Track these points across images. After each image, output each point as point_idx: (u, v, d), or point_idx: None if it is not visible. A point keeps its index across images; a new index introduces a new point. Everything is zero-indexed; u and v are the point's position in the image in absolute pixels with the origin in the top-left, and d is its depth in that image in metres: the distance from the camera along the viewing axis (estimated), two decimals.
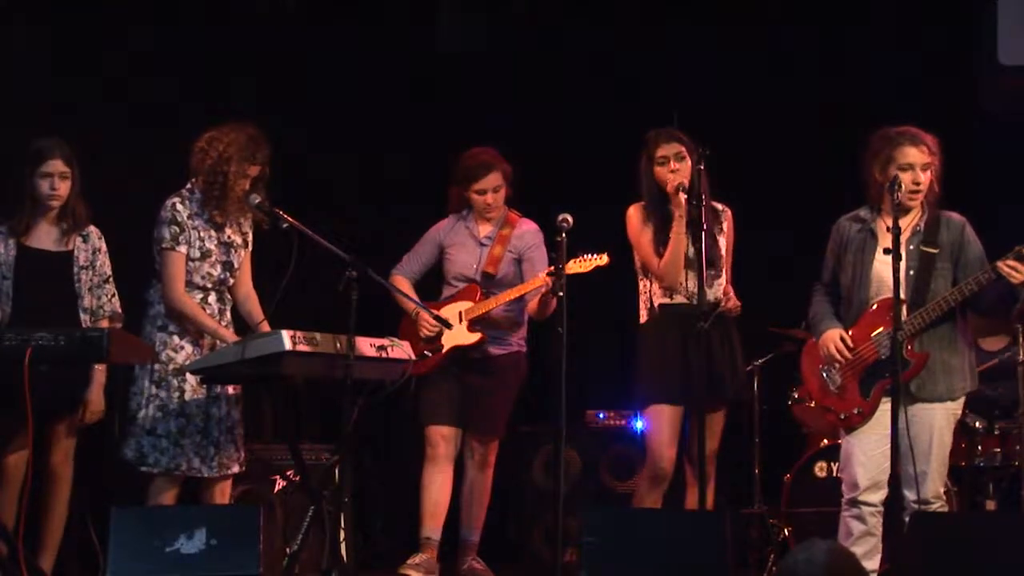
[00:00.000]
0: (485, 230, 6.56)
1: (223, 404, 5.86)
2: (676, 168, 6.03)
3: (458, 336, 6.41)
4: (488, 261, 6.50)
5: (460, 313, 6.42)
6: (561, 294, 5.58)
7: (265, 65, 7.47)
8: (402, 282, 6.50)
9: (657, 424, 6.06)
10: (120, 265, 6.00)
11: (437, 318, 6.15)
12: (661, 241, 6.04)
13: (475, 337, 6.41)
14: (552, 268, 6.12)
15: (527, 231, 6.56)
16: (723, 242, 6.15)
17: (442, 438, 6.42)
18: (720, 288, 6.11)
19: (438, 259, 6.59)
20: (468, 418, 6.44)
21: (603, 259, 6.18)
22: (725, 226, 6.19)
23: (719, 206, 6.18)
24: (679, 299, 6.07)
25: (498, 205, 6.53)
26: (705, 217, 5.81)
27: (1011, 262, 5.29)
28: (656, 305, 6.12)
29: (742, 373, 6.24)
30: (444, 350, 6.42)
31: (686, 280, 6.03)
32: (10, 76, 6.77)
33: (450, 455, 6.45)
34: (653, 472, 6.07)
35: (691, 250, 6.00)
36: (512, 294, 6.39)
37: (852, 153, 5.74)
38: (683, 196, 5.94)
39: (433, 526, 6.40)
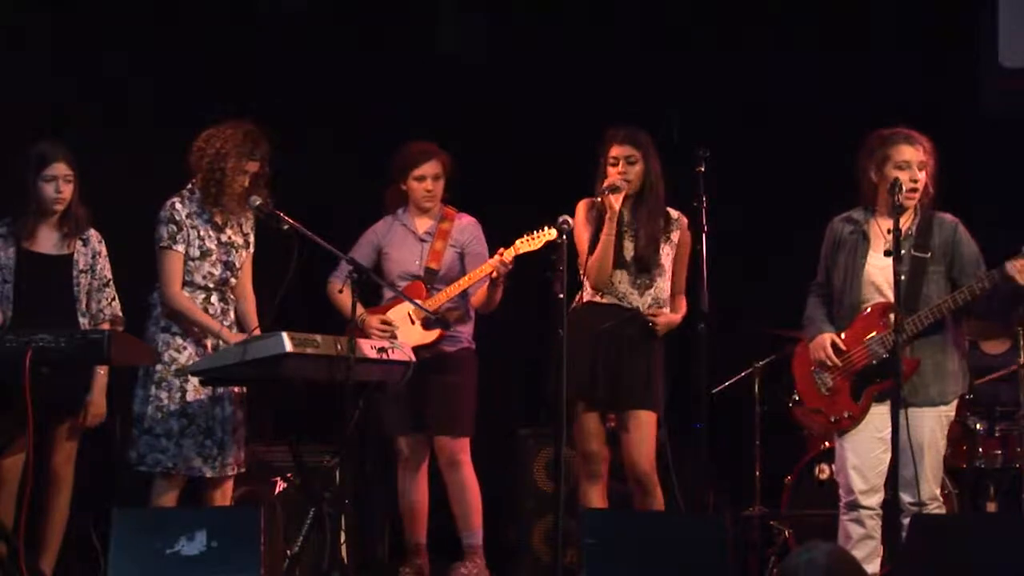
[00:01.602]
0: (423, 225, 6.49)
1: (227, 404, 5.86)
2: (624, 171, 5.99)
3: (414, 336, 6.30)
4: (430, 256, 6.41)
5: (409, 313, 6.33)
6: (562, 296, 5.56)
7: (265, 66, 7.46)
8: (343, 293, 6.27)
9: (573, 419, 6.00)
10: (122, 268, 6.00)
11: (440, 319, 6.13)
12: (597, 240, 6.00)
13: (434, 334, 6.32)
14: (501, 250, 6.16)
15: (467, 224, 6.50)
16: (668, 250, 6.06)
17: (410, 446, 6.39)
18: (651, 295, 6.02)
19: (375, 262, 6.46)
20: (431, 421, 6.34)
21: (552, 233, 6.01)
22: (675, 236, 6.08)
23: (674, 213, 6.09)
24: (608, 299, 6.02)
25: (437, 194, 6.45)
26: (643, 217, 5.89)
27: (1021, 262, 5.26)
28: (584, 300, 6.07)
29: (653, 382, 5.98)
30: None
31: (617, 281, 5.99)
32: (10, 77, 6.77)
33: (421, 460, 6.41)
34: (583, 467, 6.06)
35: (629, 249, 5.99)
36: (462, 284, 6.31)
37: (852, 154, 5.74)
38: (612, 197, 5.90)
39: (418, 530, 6.41)
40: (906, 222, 5.49)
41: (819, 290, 5.71)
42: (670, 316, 6.02)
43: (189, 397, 5.81)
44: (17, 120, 6.57)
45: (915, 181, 5.48)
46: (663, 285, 6.06)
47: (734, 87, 7.68)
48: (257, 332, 5.89)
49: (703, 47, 7.73)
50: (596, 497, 6.02)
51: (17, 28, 6.96)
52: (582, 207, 6.10)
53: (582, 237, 6.04)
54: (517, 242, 6.19)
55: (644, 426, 5.95)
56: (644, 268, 6.01)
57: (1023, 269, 5.26)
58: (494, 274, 6.19)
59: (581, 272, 6.06)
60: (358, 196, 7.15)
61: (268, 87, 7.38)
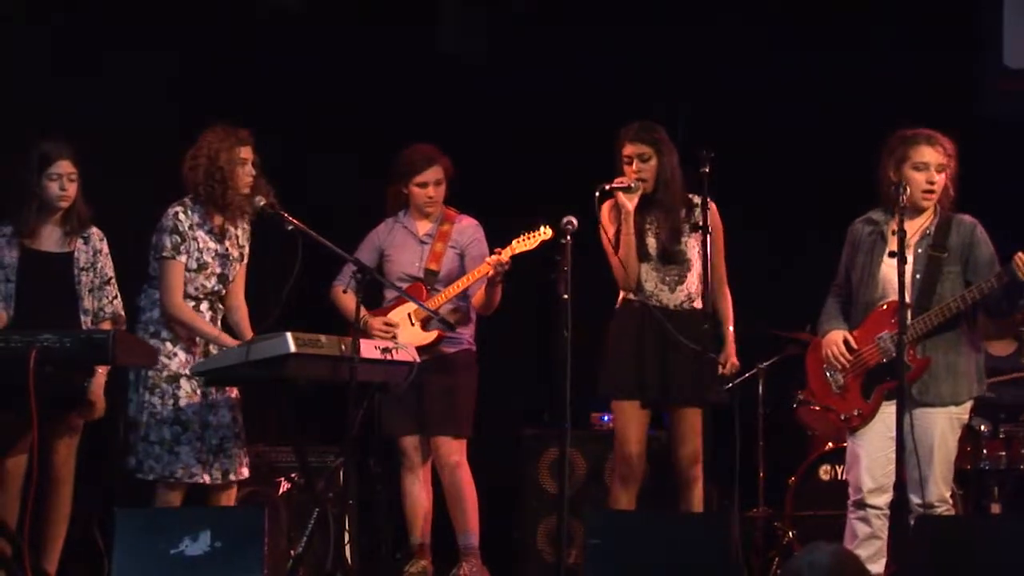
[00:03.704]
0: (424, 228, 6.49)
1: (223, 410, 5.85)
2: (638, 169, 6.00)
3: (414, 337, 6.29)
4: (430, 258, 6.42)
5: (409, 314, 6.33)
6: (566, 296, 5.55)
7: (267, 67, 7.46)
8: (347, 295, 6.26)
9: (618, 420, 6.03)
10: (119, 269, 5.99)
11: (443, 320, 6.13)
12: (619, 240, 6.02)
13: (432, 335, 6.31)
14: (498, 250, 6.16)
15: (467, 225, 6.51)
16: (693, 242, 6.03)
17: (412, 447, 6.40)
18: (683, 292, 6.02)
19: (378, 264, 6.45)
20: (430, 422, 6.34)
21: (548, 232, 6.04)
22: (701, 223, 6.05)
23: (697, 200, 6.03)
24: (640, 298, 6.03)
25: (439, 199, 6.46)
26: (662, 212, 5.94)
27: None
28: (623, 297, 6.10)
29: (709, 375, 5.95)
30: None
31: (643, 279, 6.00)
32: (10, 76, 6.77)
33: (424, 461, 6.42)
34: (619, 470, 6.08)
35: (651, 245, 6.00)
36: (461, 285, 6.32)
37: (855, 154, 5.73)
38: (626, 197, 5.91)
39: (422, 531, 6.41)
40: (925, 222, 5.51)
41: (837, 290, 5.70)
42: (730, 356, 6.06)
43: (182, 403, 5.80)
44: (16, 119, 6.57)
45: (931, 183, 5.47)
46: (693, 279, 6.04)
47: (737, 88, 7.66)
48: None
49: (705, 47, 7.72)
50: (628, 501, 6.03)
51: (17, 27, 6.96)
52: (606, 207, 6.09)
53: (606, 238, 6.06)
54: (513, 242, 6.21)
55: (692, 422, 5.94)
56: (669, 262, 6.00)
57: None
58: (491, 273, 6.19)
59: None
60: (358, 196, 7.15)
61: (268, 87, 7.37)
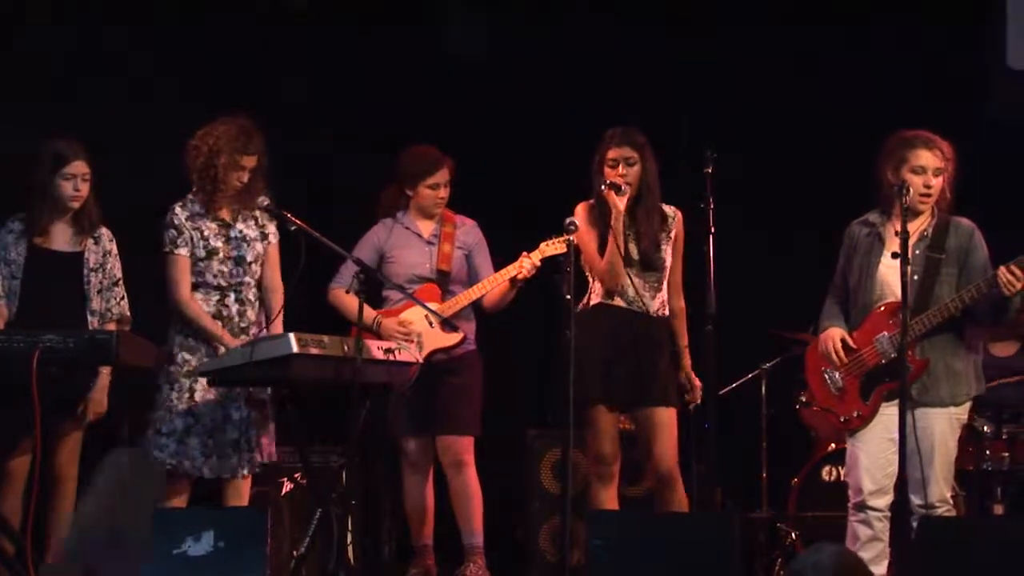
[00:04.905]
0: (428, 228, 6.48)
1: (236, 406, 5.84)
2: (624, 173, 6.00)
3: (437, 338, 6.30)
4: (441, 259, 6.41)
5: (427, 315, 6.31)
6: (569, 296, 5.56)
7: (269, 65, 7.46)
8: (349, 296, 6.20)
9: (588, 421, 6.00)
10: (122, 269, 5.99)
11: (445, 321, 6.13)
12: (604, 243, 6.00)
13: (457, 337, 6.31)
14: (525, 253, 6.19)
15: (470, 226, 6.52)
16: (668, 249, 6.06)
17: (416, 448, 6.38)
18: (660, 298, 6.03)
19: (378, 265, 6.40)
20: (438, 421, 6.33)
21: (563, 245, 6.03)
22: (673, 233, 6.09)
23: (669, 210, 6.09)
24: (618, 302, 6.02)
25: (446, 200, 6.46)
26: (643, 218, 5.91)
27: (1015, 268, 5.26)
28: (592, 303, 6.07)
29: (672, 379, 6.04)
30: (424, 353, 6.27)
31: (628, 283, 5.97)
32: (14, 75, 6.77)
33: (427, 461, 6.40)
34: (594, 469, 6.08)
35: (633, 251, 5.99)
36: (484, 288, 6.32)
37: (854, 156, 5.73)
38: (617, 198, 5.90)
39: (425, 532, 6.41)
40: (922, 224, 5.51)
41: (835, 292, 5.71)
42: (693, 381, 6.08)
43: (197, 397, 5.81)
44: (21, 119, 6.58)
45: (928, 187, 5.47)
46: (666, 287, 6.07)
47: (737, 87, 7.67)
48: (277, 323, 5.89)
49: (707, 48, 7.72)
50: (608, 499, 6.02)
51: (18, 27, 6.97)
52: (582, 210, 6.08)
53: (586, 240, 6.03)
54: (542, 245, 6.20)
55: (666, 423, 5.95)
56: (650, 268, 6.01)
57: (1015, 276, 5.26)
58: (519, 275, 6.19)
59: (588, 274, 6.07)
60: (358, 196, 7.16)
61: (269, 86, 7.37)
